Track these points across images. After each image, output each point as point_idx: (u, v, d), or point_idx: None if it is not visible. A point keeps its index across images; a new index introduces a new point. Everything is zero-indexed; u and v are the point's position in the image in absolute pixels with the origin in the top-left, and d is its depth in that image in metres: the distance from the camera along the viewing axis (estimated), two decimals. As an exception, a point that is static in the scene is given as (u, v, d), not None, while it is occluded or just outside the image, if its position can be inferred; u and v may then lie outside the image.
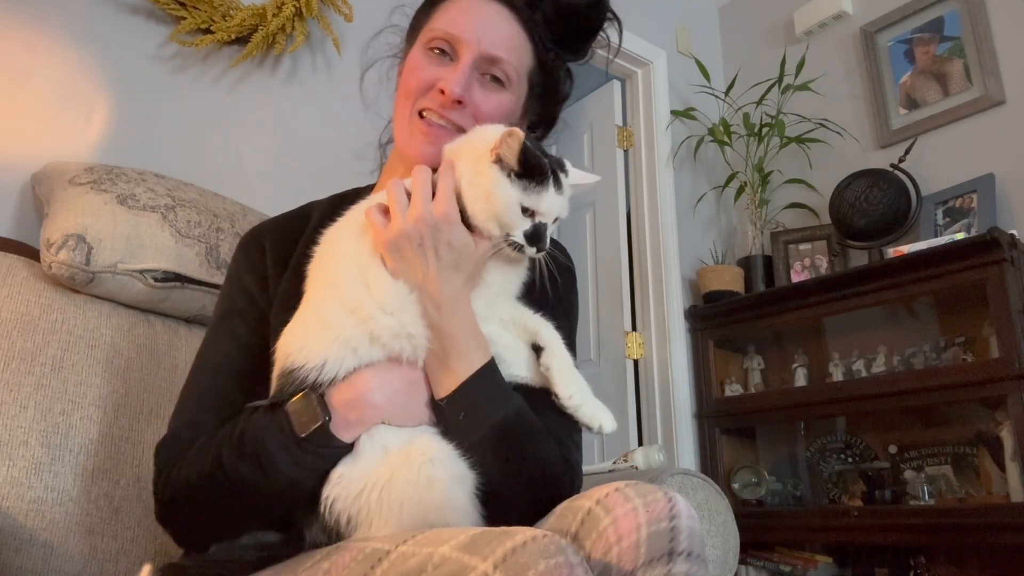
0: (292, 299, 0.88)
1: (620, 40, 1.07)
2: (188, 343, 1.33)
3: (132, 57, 1.70)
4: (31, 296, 1.18)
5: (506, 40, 0.96)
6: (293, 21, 1.84)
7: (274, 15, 1.80)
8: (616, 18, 1.05)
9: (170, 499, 0.85)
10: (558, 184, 0.84)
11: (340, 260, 0.87)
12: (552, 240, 0.93)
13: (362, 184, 1.15)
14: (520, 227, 0.82)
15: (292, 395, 0.80)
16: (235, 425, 0.83)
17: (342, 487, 0.78)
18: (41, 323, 1.16)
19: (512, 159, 0.81)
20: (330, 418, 0.78)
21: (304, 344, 0.82)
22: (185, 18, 1.73)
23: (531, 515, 0.78)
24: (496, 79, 0.97)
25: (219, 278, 1.34)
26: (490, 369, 0.84)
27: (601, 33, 1.05)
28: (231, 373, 0.91)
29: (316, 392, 0.79)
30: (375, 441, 0.80)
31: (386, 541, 0.69)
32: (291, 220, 1.05)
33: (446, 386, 0.83)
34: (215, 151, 1.79)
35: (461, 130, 0.95)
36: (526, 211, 0.82)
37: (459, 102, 0.93)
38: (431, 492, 0.75)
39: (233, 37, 1.78)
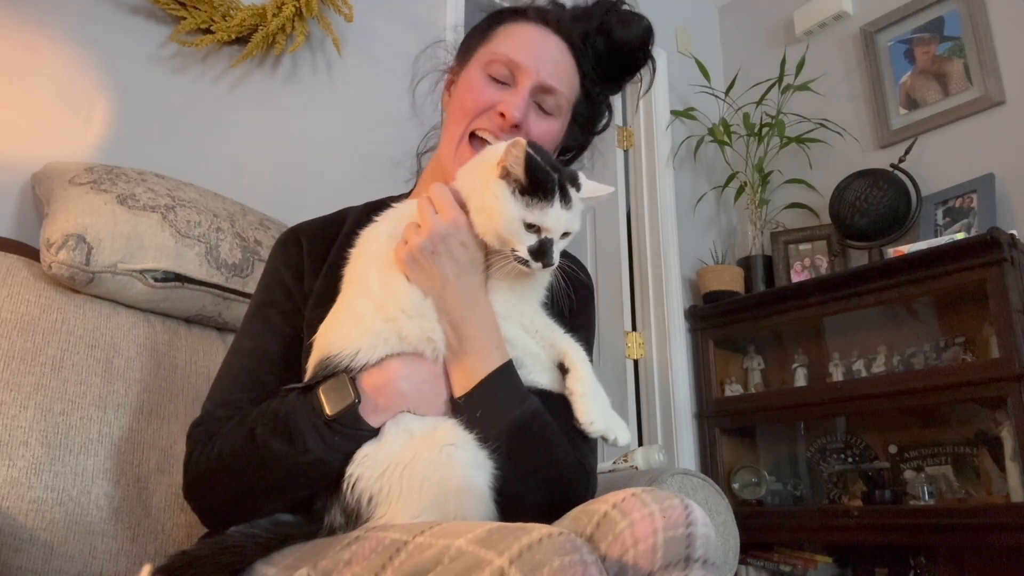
0: (328, 296, 0.92)
1: (653, 77, 1.13)
2: (188, 343, 1.33)
3: (132, 57, 1.70)
4: (31, 296, 1.18)
5: (562, 71, 1.02)
6: (293, 21, 1.84)
7: (274, 15, 1.80)
8: (653, 60, 1.11)
9: (201, 473, 0.88)
10: (565, 198, 0.84)
11: (369, 259, 0.91)
12: (569, 255, 0.96)
13: (397, 191, 1.18)
14: (524, 242, 0.84)
15: (326, 379, 0.84)
16: (269, 404, 0.87)
17: (366, 466, 0.81)
18: (41, 323, 1.16)
19: (519, 171, 0.82)
20: (359, 400, 0.82)
21: (339, 334, 0.86)
22: (185, 18, 1.73)
23: (544, 516, 0.79)
24: (547, 107, 1.01)
25: (219, 278, 1.34)
26: (507, 369, 0.87)
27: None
28: (265, 358, 0.95)
29: (348, 376, 0.83)
30: (400, 426, 0.83)
31: (404, 532, 0.71)
32: (327, 223, 1.09)
33: (464, 384, 0.86)
34: (215, 151, 1.79)
35: None
36: (532, 227, 0.83)
37: (516, 126, 0.98)
38: (452, 473, 0.78)
39: (233, 37, 1.78)
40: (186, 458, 0.91)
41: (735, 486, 2.66)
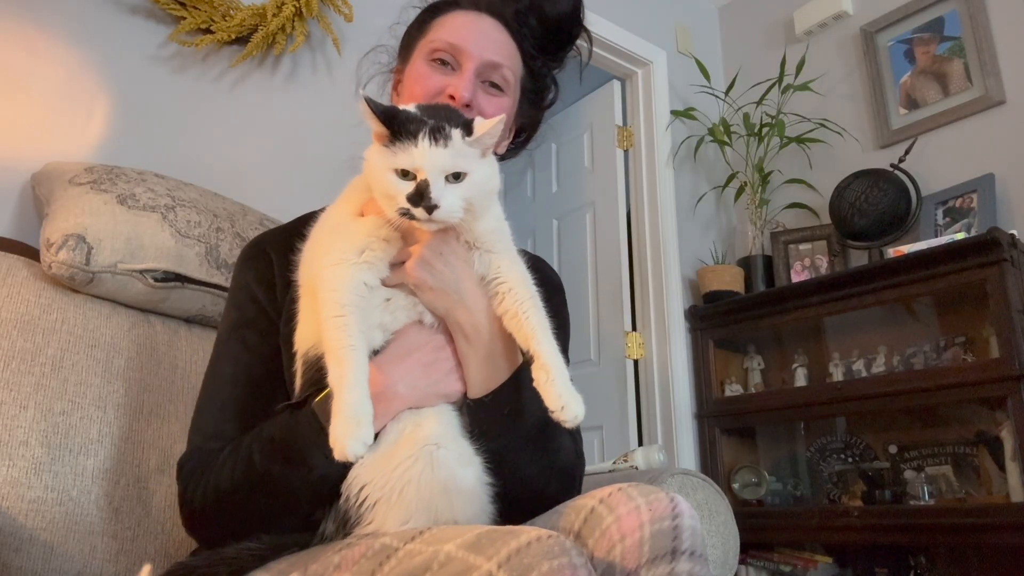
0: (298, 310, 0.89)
1: (590, 53, 1.18)
2: (188, 343, 1.33)
3: (132, 57, 1.70)
4: (31, 296, 1.18)
5: (502, 48, 1.04)
6: (293, 21, 1.84)
7: (274, 15, 1.80)
8: (588, 32, 1.14)
9: (201, 508, 0.86)
10: (437, 136, 0.76)
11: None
12: (533, 255, 0.98)
13: None
14: (402, 192, 0.77)
15: (317, 391, 0.81)
16: (262, 429, 0.85)
17: (362, 468, 0.79)
18: (41, 323, 1.16)
19: (370, 121, 0.78)
20: None
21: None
22: (185, 18, 1.73)
23: (554, 504, 0.81)
24: (495, 85, 1.03)
25: (219, 278, 1.34)
26: (528, 365, 0.85)
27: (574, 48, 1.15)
28: (248, 382, 0.92)
29: None
30: (388, 426, 0.82)
31: (395, 538, 0.71)
32: (291, 234, 1.04)
33: (485, 385, 0.84)
34: (215, 151, 1.79)
35: None
36: (407, 174, 0.77)
37: (468, 105, 0.98)
38: (435, 474, 0.77)
39: (233, 37, 1.78)
40: (180, 496, 0.88)
41: (735, 486, 2.66)
